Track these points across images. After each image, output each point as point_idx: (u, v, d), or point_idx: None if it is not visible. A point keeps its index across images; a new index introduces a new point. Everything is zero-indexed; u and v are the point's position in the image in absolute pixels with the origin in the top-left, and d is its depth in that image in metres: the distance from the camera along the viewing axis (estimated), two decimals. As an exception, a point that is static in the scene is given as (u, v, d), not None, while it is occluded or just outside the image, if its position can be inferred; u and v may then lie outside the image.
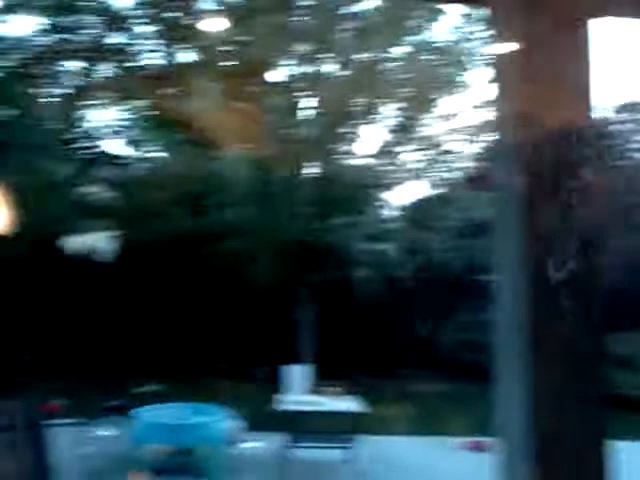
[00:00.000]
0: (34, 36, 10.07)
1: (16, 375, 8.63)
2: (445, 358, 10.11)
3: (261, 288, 10.67)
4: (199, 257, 10.39)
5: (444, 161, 11.57)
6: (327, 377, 6.84)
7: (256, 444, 6.78)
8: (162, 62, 11.10)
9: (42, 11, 9.93)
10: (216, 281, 10.55)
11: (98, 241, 9.83)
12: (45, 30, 10.14)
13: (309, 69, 11.28)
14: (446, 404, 8.98)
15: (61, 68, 10.63)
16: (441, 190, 11.91)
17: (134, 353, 10.08)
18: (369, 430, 6.32)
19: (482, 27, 9.66)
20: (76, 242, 8.95)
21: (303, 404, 6.15)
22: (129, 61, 10.92)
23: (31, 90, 10.11)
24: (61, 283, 9.93)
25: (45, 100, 10.56)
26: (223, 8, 10.83)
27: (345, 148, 11.64)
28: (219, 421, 6.20)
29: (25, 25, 10.13)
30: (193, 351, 10.60)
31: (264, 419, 6.64)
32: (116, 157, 11.42)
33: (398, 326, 11.54)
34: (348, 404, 6.13)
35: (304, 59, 11.26)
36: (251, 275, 10.48)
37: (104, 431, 6.51)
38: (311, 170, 11.40)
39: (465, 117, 11.64)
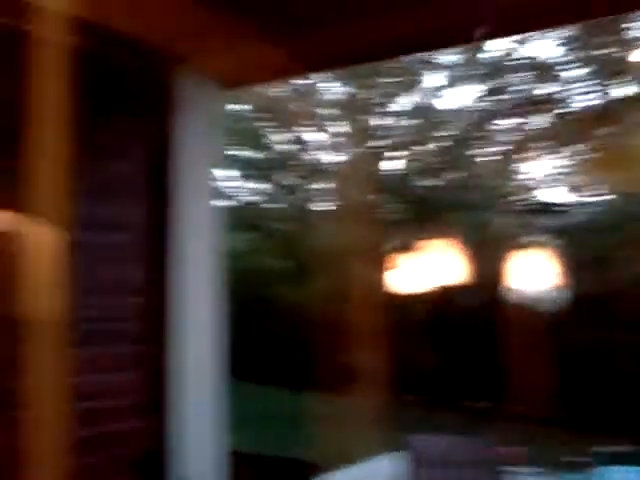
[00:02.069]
0: (472, 103, 10.91)
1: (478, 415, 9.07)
2: None
3: None
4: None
5: None
6: None
7: None
8: (596, 101, 10.77)
9: (477, 79, 10.72)
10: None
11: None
12: (480, 95, 10.90)
13: None
14: None
15: (497, 127, 11.22)
16: None
17: (603, 406, 9.60)
18: None
19: None
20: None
21: None
22: (562, 107, 10.89)
23: (473, 152, 10.91)
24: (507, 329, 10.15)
25: (485, 159, 11.25)
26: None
27: None
28: None
29: (463, 94, 11.09)
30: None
31: None
32: (556, 205, 11.34)
33: None
34: None
35: None
36: None
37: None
38: None
39: None
